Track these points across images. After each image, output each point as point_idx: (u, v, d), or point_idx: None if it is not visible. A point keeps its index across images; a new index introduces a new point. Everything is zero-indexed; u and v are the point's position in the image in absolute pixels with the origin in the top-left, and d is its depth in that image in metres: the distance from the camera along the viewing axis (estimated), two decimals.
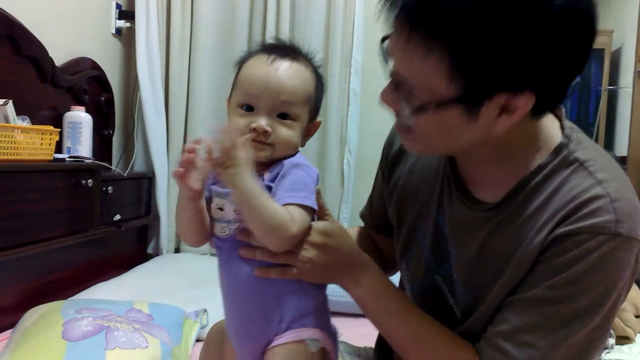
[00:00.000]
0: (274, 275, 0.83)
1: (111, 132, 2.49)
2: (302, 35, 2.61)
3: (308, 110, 0.88)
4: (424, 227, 0.92)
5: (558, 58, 0.68)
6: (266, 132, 0.83)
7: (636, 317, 1.96)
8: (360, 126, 2.68)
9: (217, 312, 1.64)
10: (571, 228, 0.73)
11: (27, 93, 1.93)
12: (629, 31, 3.15)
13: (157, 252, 2.69)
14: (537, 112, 0.75)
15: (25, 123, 1.76)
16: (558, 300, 0.74)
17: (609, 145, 3.45)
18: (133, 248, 2.61)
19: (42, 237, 1.75)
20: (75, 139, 2.09)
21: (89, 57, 2.32)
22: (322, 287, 0.90)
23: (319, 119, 0.93)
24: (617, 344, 1.82)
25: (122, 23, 2.60)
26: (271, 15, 2.58)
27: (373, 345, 1.11)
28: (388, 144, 1.03)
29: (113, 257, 2.38)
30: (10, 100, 1.65)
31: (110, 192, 2.11)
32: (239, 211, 0.82)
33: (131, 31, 2.60)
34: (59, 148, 1.95)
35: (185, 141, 2.67)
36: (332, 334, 0.91)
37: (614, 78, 3.39)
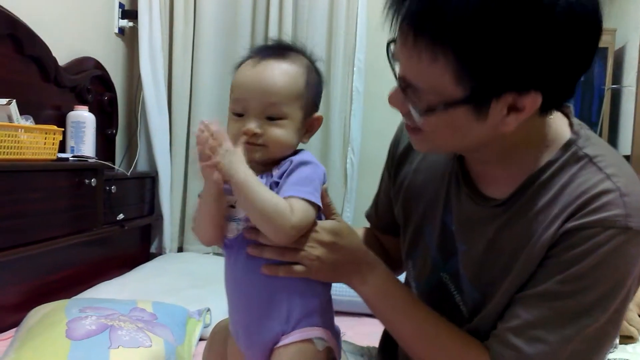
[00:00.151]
0: (281, 272, 0.83)
1: (114, 131, 2.49)
2: (305, 34, 2.61)
3: (299, 106, 0.88)
4: (430, 225, 0.92)
5: (564, 57, 0.69)
6: (256, 134, 0.85)
7: None
8: (363, 125, 2.68)
9: (220, 311, 1.64)
10: (581, 222, 0.73)
11: (31, 92, 1.93)
12: (633, 30, 3.14)
13: (160, 252, 2.69)
14: (545, 110, 0.75)
15: (28, 122, 1.76)
16: (568, 294, 0.73)
17: (612, 144, 3.42)
18: (136, 247, 2.61)
19: (45, 237, 1.75)
20: (78, 138, 2.09)
21: (92, 56, 2.32)
22: (328, 287, 0.91)
23: (319, 114, 0.93)
24: (621, 343, 1.81)
25: (125, 22, 2.60)
26: (274, 15, 2.58)
27: (377, 345, 1.11)
28: (394, 143, 1.03)
29: (116, 257, 2.39)
30: (14, 100, 1.65)
31: (113, 191, 2.12)
32: (239, 203, 0.83)
33: (134, 31, 2.60)
34: (62, 147, 1.95)
35: (188, 141, 2.67)
36: (335, 332, 0.91)
37: (617, 77, 3.38)
